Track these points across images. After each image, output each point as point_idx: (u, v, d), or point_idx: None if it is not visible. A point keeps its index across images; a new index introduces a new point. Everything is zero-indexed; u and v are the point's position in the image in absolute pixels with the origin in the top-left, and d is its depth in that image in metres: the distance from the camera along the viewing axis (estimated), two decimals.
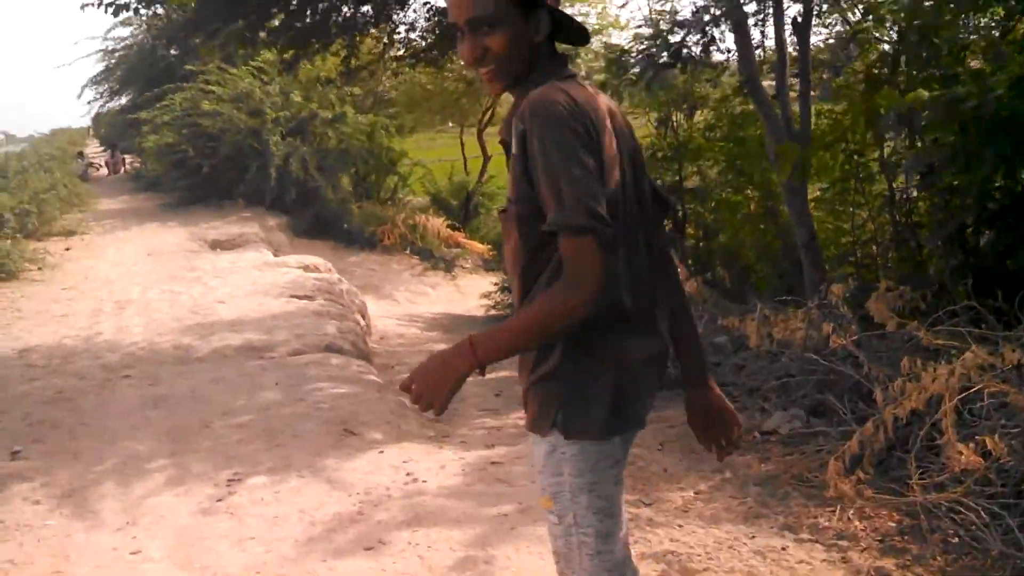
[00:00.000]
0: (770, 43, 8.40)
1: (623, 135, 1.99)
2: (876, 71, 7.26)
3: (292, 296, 9.43)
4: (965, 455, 3.63)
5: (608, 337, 1.90)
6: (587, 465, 1.92)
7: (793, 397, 5.14)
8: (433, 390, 1.85)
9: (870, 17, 7.41)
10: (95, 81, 26.40)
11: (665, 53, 6.70)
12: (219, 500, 4.40)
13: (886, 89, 5.57)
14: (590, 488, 1.93)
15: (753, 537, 3.75)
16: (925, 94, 4.97)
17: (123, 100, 26.18)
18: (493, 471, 4.71)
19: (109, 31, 26.92)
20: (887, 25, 7.09)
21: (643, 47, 7.20)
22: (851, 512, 3.84)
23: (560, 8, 1.98)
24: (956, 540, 3.47)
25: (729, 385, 5.67)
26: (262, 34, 8.92)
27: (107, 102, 27.30)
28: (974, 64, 6.29)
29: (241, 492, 4.48)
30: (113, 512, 4.32)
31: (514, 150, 1.87)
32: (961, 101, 4.47)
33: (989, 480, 3.58)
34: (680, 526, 3.90)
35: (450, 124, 23.73)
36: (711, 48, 9.41)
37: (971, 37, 6.56)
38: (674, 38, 7.02)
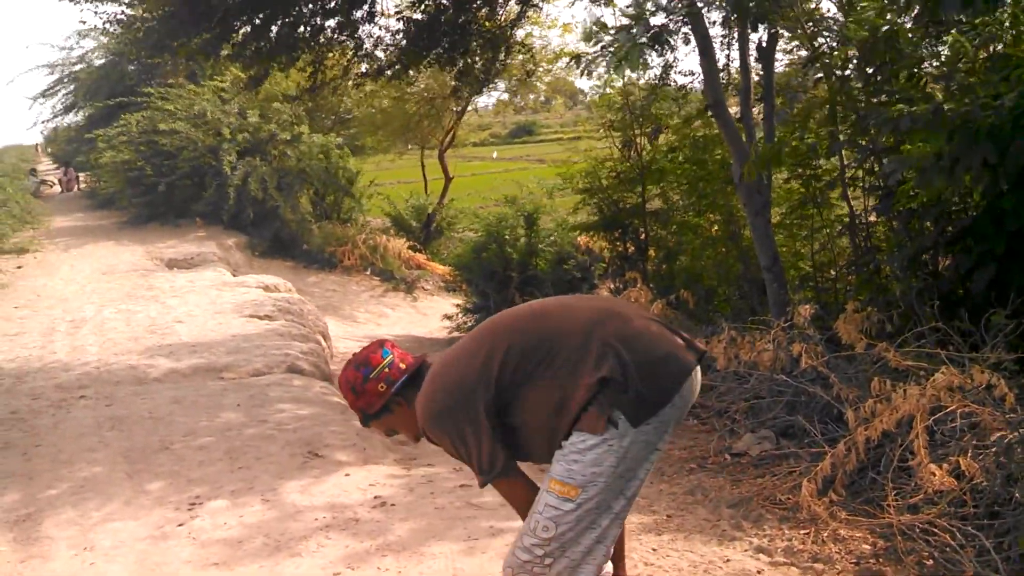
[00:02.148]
0: (735, 66, 8.48)
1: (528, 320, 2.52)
2: (836, 96, 7.34)
3: (252, 316, 9.28)
4: (938, 476, 3.64)
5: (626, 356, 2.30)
6: (629, 454, 2.27)
7: (763, 419, 5.13)
8: None
9: (830, 43, 7.49)
10: (47, 95, 25.88)
11: (645, 36, 6.70)
12: (180, 524, 4.28)
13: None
14: (622, 475, 2.29)
15: (728, 560, 3.72)
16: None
17: (77, 116, 25.72)
18: (462, 494, 4.63)
19: (66, 39, 26.45)
20: (849, 47, 7.14)
21: (623, 24, 7.17)
22: (825, 534, 3.82)
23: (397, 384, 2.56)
24: (931, 562, 3.46)
25: (698, 407, 5.67)
26: (225, 49, 8.79)
27: (60, 116, 26.77)
28: (932, 89, 6.38)
29: (203, 515, 4.36)
30: (70, 537, 4.18)
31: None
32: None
33: (963, 501, 3.58)
34: (654, 549, 3.85)
35: (409, 146, 23.67)
36: (672, 70, 9.51)
37: (927, 65, 6.67)
38: (655, 20, 7.01)
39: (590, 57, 7.66)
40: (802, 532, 3.89)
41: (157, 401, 6.44)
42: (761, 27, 7.28)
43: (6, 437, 5.73)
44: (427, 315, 14.70)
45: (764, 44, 7.73)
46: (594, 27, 6.97)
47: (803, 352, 4.97)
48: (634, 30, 6.53)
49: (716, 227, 10.15)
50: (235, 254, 14.81)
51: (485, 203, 20.40)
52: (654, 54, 7.33)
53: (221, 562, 3.85)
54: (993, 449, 3.68)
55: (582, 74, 9.20)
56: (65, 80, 24.94)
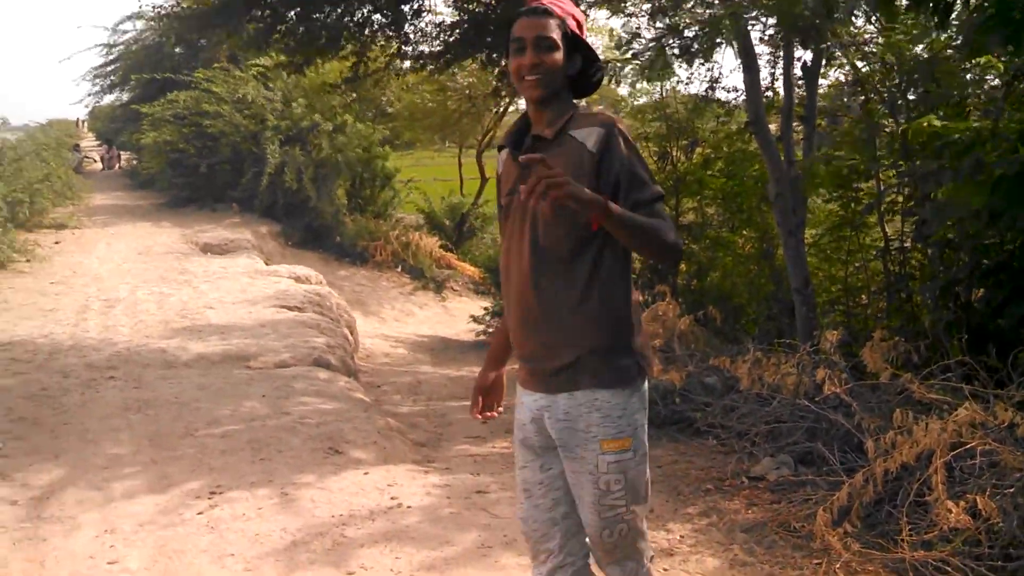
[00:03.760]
0: (778, 85, 8.47)
1: None
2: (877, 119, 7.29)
3: (282, 306, 9.37)
4: (955, 513, 3.62)
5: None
6: (647, 401, 2.46)
7: (782, 443, 5.11)
8: (564, 186, 2.09)
9: (873, 65, 7.45)
10: (96, 73, 26.18)
11: (676, 45, 6.75)
12: (200, 513, 4.34)
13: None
14: (646, 420, 2.45)
15: None
16: (937, 122, 4.97)
17: (123, 95, 25.98)
18: (478, 500, 4.67)
19: (118, 24, 26.66)
20: (892, 70, 7.10)
21: (654, 35, 7.21)
22: (837, 566, 3.81)
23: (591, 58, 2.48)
24: None
25: (718, 427, 5.66)
26: (276, 39, 8.88)
27: (105, 94, 27.04)
28: (974, 120, 6.33)
29: (223, 505, 4.43)
30: (92, 518, 4.26)
31: (591, 147, 2.32)
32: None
33: (978, 540, 3.56)
34: (665, 570, 3.87)
35: (447, 143, 23.73)
36: (716, 85, 9.51)
37: (972, 93, 6.62)
38: (687, 32, 7.04)
39: (619, 65, 7.70)
40: (814, 562, 3.88)
41: (184, 386, 6.53)
42: (809, 45, 7.26)
43: (36, 413, 5.85)
44: (455, 316, 14.72)
45: (809, 63, 7.71)
46: (624, 34, 7.03)
47: (827, 378, 4.95)
48: (669, 40, 6.57)
49: (749, 245, 10.12)
50: (268, 242, 14.93)
51: None
52: (684, 65, 7.36)
53: (238, 553, 3.92)
54: (1011, 489, 3.66)
55: (610, 82, 9.26)
56: (114, 59, 25.22)
